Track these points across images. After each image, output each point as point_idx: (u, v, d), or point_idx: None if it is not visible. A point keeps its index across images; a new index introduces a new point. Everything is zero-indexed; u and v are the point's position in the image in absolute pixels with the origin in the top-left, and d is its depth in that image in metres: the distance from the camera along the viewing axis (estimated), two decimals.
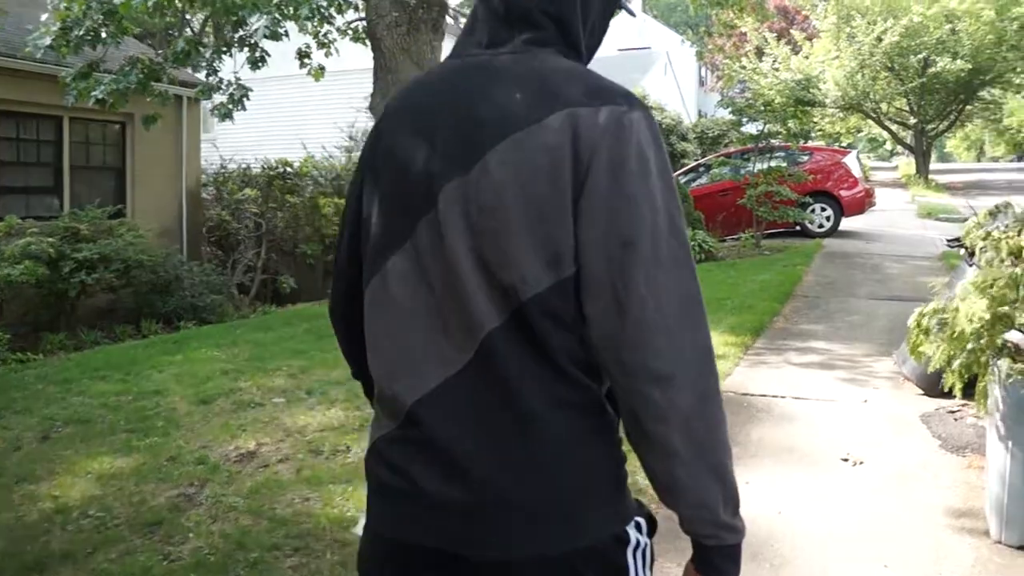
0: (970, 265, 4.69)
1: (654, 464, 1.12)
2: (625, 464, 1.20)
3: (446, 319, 1.16)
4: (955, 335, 3.27)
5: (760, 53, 24.20)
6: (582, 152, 1.08)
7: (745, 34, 25.06)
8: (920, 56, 23.48)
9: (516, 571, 1.13)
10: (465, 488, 1.14)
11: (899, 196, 22.32)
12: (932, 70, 23.36)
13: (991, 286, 3.27)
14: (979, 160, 65.20)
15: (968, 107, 27.13)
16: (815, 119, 26.68)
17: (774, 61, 23.55)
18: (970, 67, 22.63)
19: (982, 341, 3.12)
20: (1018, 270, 3.23)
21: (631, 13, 1.47)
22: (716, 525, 1.13)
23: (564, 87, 1.13)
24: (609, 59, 32.81)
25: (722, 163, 14.34)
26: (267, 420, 5.48)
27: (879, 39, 23.21)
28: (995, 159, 64.75)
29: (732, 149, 16.27)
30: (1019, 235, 4.43)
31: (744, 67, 23.55)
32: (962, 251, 4.96)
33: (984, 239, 4.50)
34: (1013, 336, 3.20)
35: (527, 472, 1.13)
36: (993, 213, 4.89)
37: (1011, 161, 59.31)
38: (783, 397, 5.25)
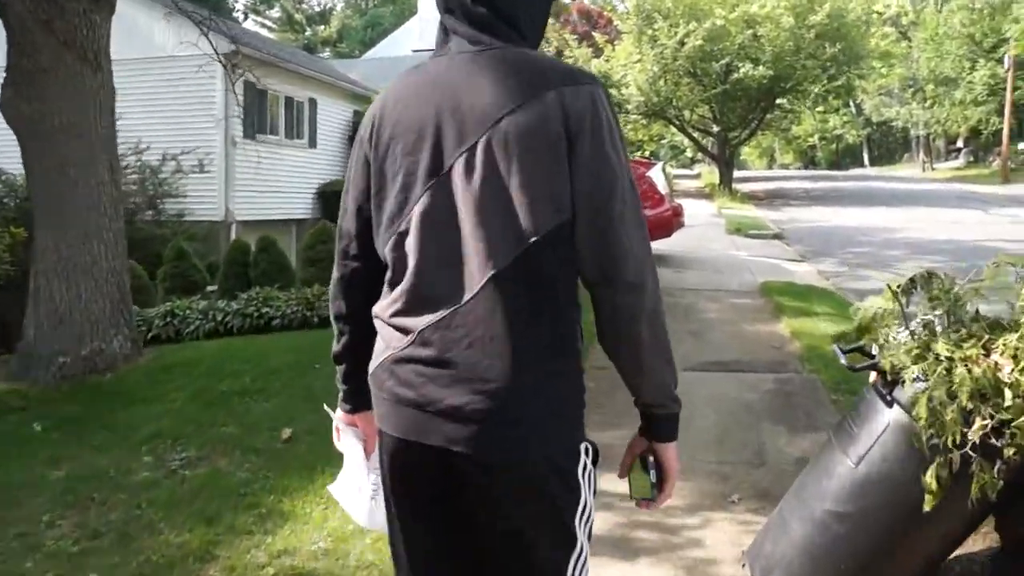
0: (889, 403, 2.46)
1: (628, 354, 1.52)
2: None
3: (457, 260, 1.47)
4: None
5: (560, 55, 22.47)
6: (571, 121, 1.44)
7: (545, 37, 23.28)
8: (723, 62, 22.51)
9: (505, 470, 1.47)
10: (470, 398, 1.44)
11: (705, 208, 21.12)
12: (735, 76, 22.43)
13: None
14: (771, 167, 68.01)
15: (768, 115, 26.64)
16: None
17: (574, 63, 21.86)
18: (771, 74, 21.86)
19: None
20: None
21: None
22: (668, 397, 1.56)
23: (547, 72, 1.49)
24: (403, 59, 30.27)
25: None
26: None
27: (682, 43, 22.05)
28: (784, 166, 67.80)
29: None
30: (987, 353, 2.28)
31: None
32: (872, 375, 2.72)
33: (916, 355, 2.34)
34: None
35: (520, 387, 1.44)
36: (907, 290, 2.73)
37: (798, 168, 62.19)
38: None
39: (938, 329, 2.40)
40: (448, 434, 1.46)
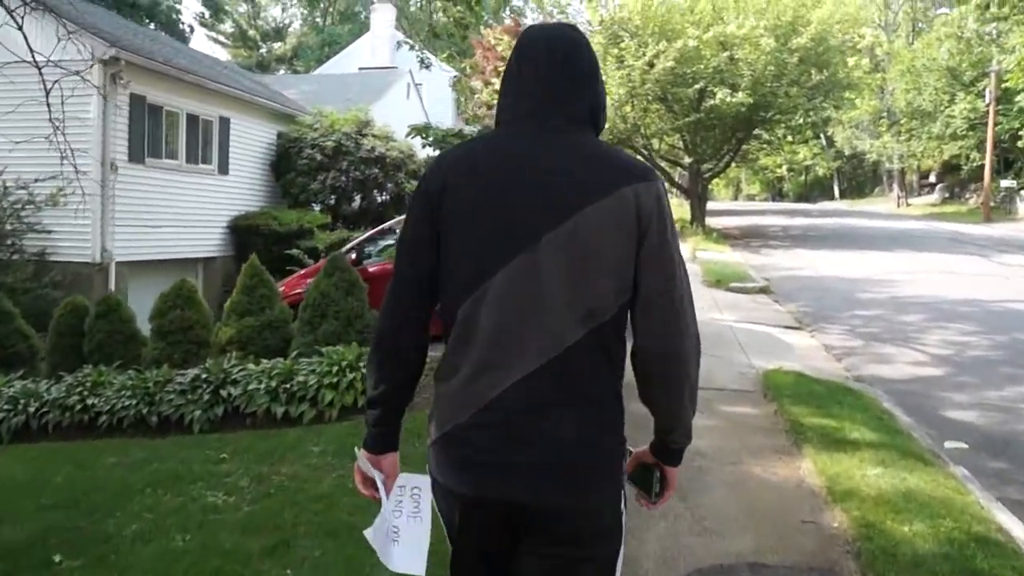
0: None
1: (670, 412, 1.78)
2: None
3: (532, 333, 1.64)
4: None
5: None
6: (643, 216, 1.66)
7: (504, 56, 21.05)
8: (696, 87, 20.30)
9: (569, 515, 1.67)
10: (537, 456, 1.63)
11: None
12: (710, 103, 20.24)
13: None
14: (736, 198, 66.50)
15: (745, 146, 24.47)
16: None
17: None
18: (751, 101, 19.67)
19: None
20: None
21: None
22: (688, 437, 1.83)
23: (625, 168, 1.71)
24: (347, 76, 27.77)
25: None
26: None
27: (651, 64, 19.85)
28: (751, 197, 66.31)
29: None
30: None
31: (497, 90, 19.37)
32: None
33: None
34: None
35: (588, 444, 1.66)
36: None
37: (765, 200, 60.59)
38: None
39: None
40: (525, 489, 1.64)
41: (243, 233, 15.44)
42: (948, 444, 5.89)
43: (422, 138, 11.42)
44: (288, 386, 6.45)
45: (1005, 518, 4.37)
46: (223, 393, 6.58)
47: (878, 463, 4.89)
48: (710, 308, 11.31)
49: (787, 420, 5.84)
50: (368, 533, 1.87)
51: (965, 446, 5.88)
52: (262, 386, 6.50)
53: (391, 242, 9.91)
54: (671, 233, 1.70)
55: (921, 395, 7.14)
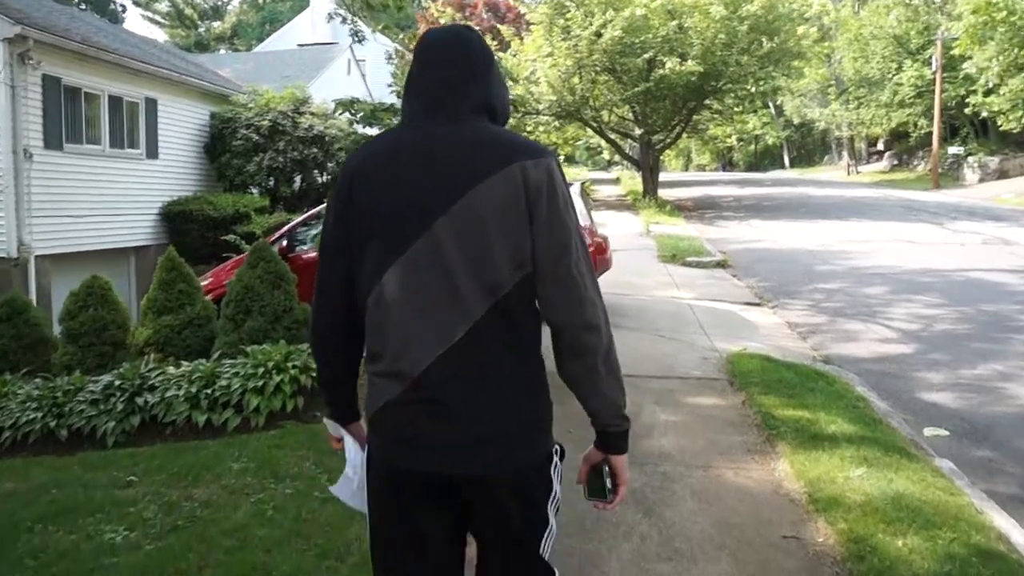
0: None
1: (588, 385, 1.78)
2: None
3: (440, 312, 1.70)
4: None
5: None
6: (531, 189, 1.72)
7: None
8: (645, 57, 19.75)
9: (493, 482, 1.73)
10: (460, 428, 1.70)
11: (630, 224, 18.37)
12: (659, 72, 19.72)
13: None
14: (687, 168, 66.42)
15: (696, 116, 24.03)
16: (528, 128, 22.46)
17: None
18: (701, 71, 19.19)
19: None
20: None
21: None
22: (620, 417, 1.81)
23: (511, 148, 1.76)
24: (285, 53, 26.73)
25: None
26: None
27: (598, 34, 19.25)
28: (701, 167, 66.27)
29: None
30: None
31: None
32: None
33: None
34: None
35: (504, 414, 1.72)
36: None
37: (716, 170, 60.54)
38: None
39: None
40: (448, 459, 1.72)
41: (177, 219, 14.62)
42: (928, 431, 5.50)
43: (350, 113, 10.72)
44: (210, 391, 5.81)
45: (1003, 522, 3.95)
46: (139, 401, 5.91)
47: (861, 461, 4.45)
48: (667, 285, 10.86)
49: (757, 413, 5.37)
50: (333, 489, 2.04)
51: (946, 433, 5.48)
52: (181, 392, 5.85)
53: None
54: (563, 204, 1.75)
55: (893, 376, 6.75)
